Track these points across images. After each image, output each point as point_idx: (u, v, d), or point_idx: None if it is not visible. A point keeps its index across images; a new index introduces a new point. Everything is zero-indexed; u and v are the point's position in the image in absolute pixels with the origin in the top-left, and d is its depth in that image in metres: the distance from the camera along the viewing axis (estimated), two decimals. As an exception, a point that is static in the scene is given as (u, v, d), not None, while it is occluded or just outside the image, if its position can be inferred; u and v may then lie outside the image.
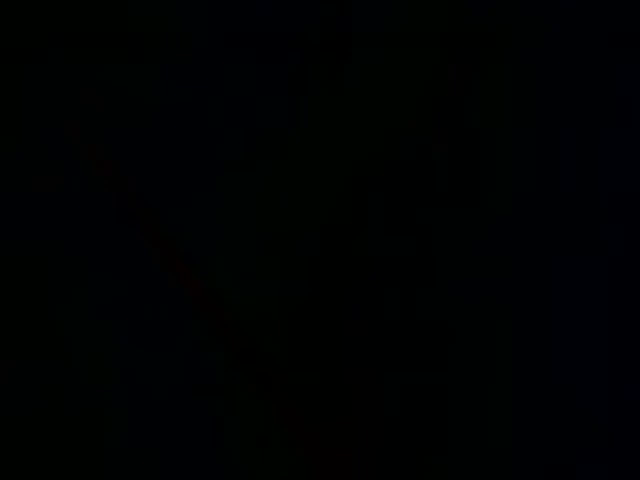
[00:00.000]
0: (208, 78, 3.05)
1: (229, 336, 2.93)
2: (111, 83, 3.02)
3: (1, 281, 2.94)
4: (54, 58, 3.02)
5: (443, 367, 2.79)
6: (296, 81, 3.02)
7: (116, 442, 2.87)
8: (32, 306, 2.93)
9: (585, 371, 2.78)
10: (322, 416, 2.77)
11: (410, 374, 2.80)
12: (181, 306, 2.94)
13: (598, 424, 2.72)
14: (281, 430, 2.77)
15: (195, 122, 3.03)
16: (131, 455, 2.86)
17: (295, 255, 2.97)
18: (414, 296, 2.87)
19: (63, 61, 3.02)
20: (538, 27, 3.08)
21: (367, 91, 3.09)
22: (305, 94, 3.05)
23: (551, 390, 2.76)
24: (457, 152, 3.03)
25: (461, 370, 2.77)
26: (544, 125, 3.04)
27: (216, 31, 3.11)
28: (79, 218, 2.97)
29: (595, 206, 2.99)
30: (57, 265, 2.95)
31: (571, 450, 2.68)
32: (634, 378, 2.79)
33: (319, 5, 3.08)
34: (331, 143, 3.03)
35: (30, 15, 3.03)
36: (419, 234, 2.98)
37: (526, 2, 3.09)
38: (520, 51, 3.07)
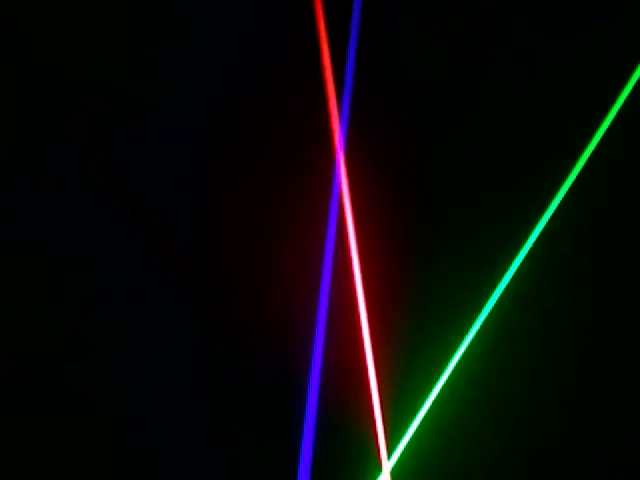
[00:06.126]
0: (207, 78, 3.05)
1: (229, 335, 2.93)
2: (111, 83, 3.02)
3: (1, 281, 2.94)
4: (54, 58, 3.02)
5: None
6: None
7: (116, 442, 2.87)
8: (32, 306, 2.93)
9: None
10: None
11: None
12: (181, 306, 2.94)
13: None
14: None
15: (195, 122, 3.03)
16: (131, 455, 2.87)
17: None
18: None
19: (63, 61, 3.02)
20: (538, 27, 3.08)
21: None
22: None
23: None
24: (457, 152, 3.04)
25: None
26: (544, 125, 3.05)
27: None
28: (79, 218, 2.97)
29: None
30: (57, 265, 2.95)
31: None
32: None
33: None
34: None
35: (30, 15, 3.04)
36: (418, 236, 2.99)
37: (526, 2, 3.09)
38: (520, 51, 3.07)
